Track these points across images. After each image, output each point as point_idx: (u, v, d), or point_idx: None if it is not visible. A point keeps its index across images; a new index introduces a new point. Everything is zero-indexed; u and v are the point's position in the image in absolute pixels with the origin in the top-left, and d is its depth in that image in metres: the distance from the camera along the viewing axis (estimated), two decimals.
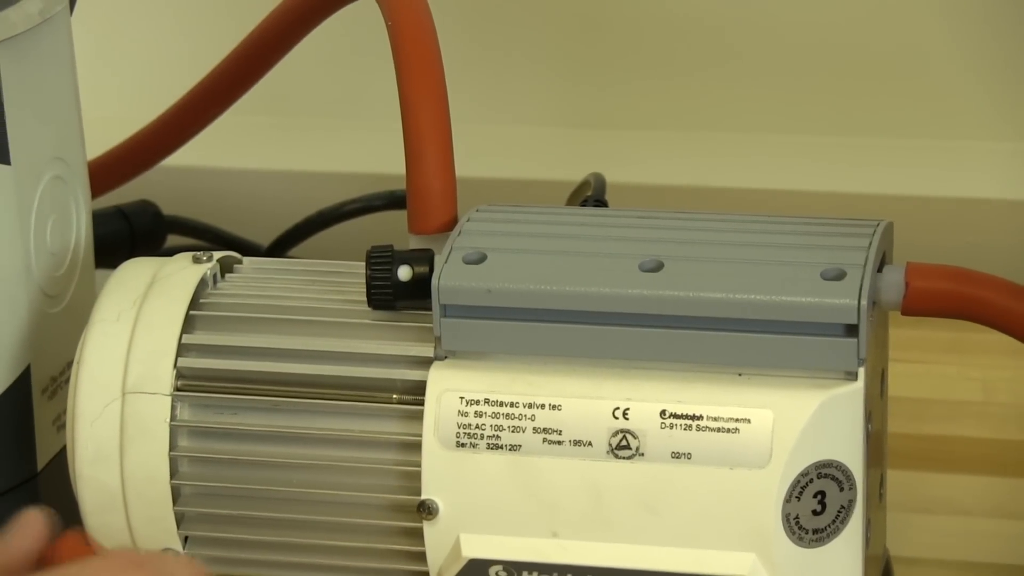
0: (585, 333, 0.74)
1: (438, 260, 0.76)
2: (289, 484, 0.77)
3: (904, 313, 0.75)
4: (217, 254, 0.83)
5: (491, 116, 1.25)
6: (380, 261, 0.77)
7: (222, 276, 0.82)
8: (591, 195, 0.92)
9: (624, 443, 0.73)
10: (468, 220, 0.78)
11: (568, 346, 0.74)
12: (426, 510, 0.74)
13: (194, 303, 0.80)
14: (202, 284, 0.81)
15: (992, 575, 0.87)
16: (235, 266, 0.84)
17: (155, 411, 0.78)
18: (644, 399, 0.73)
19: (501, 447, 0.74)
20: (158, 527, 0.78)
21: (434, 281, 0.75)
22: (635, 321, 0.73)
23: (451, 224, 0.79)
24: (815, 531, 0.73)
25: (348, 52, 1.12)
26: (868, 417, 0.73)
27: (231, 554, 0.79)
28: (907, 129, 1.22)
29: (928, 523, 0.90)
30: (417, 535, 0.75)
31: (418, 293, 0.76)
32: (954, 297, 0.74)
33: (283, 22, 0.99)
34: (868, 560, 0.74)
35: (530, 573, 0.74)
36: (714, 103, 1.24)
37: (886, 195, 1.16)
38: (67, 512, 0.81)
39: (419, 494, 0.75)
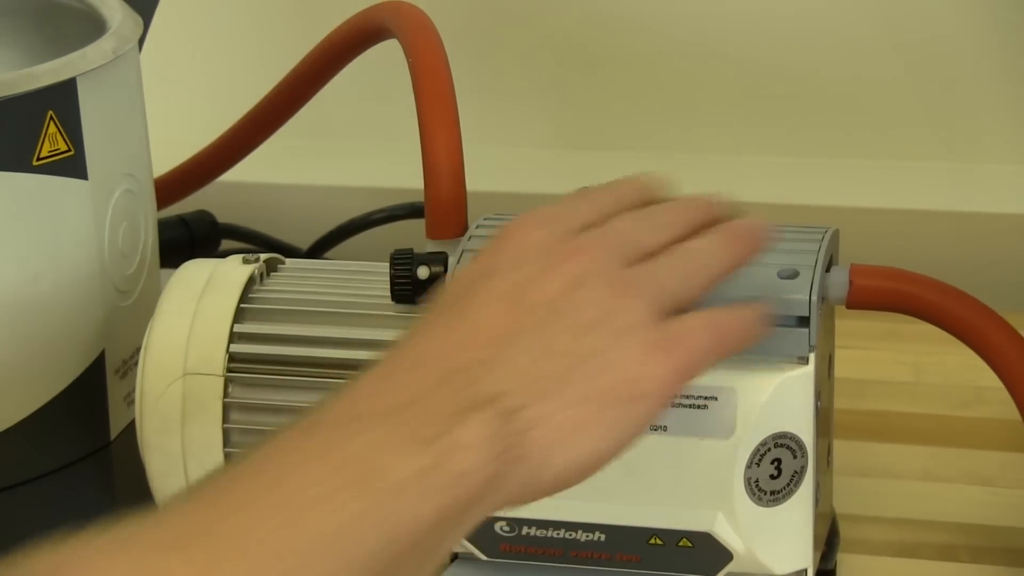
0: None
1: (451, 261, 0.75)
2: None
3: (848, 307, 0.75)
4: (264, 256, 0.83)
5: (496, 139, 1.25)
6: (402, 262, 0.77)
7: (268, 275, 0.82)
8: None
9: None
10: (476, 227, 0.78)
11: None
12: None
13: (244, 298, 0.79)
14: (251, 282, 0.80)
15: (922, 530, 0.87)
16: (279, 266, 0.83)
17: (211, 389, 0.78)
18: None
19: None
20: None
21: (448, 279, 0.74)
22: None
23: (462, 231, 0.79)
24: (772, 493, 0.72)
25: (375, 84, 1.12)
26: (818, 395, 0.73)
27: None
28: (861, 150, 1.22)
29: (868, 486, 0.90)
30: None
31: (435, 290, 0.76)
32: (891, 294, 0.74)
33: (320, 60, 0.99)
34: (817, 517, 0.74)
35: (530, 528, 0.74)
36: (689, 127, 1.24)
37: (836, 207, 1.16)
38: (135, 476, 0.80)
39: None
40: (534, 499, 0.58)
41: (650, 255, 0.63)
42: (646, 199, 0.67)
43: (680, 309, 0.63)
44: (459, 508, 0.55)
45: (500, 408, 0.57)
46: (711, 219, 0.67)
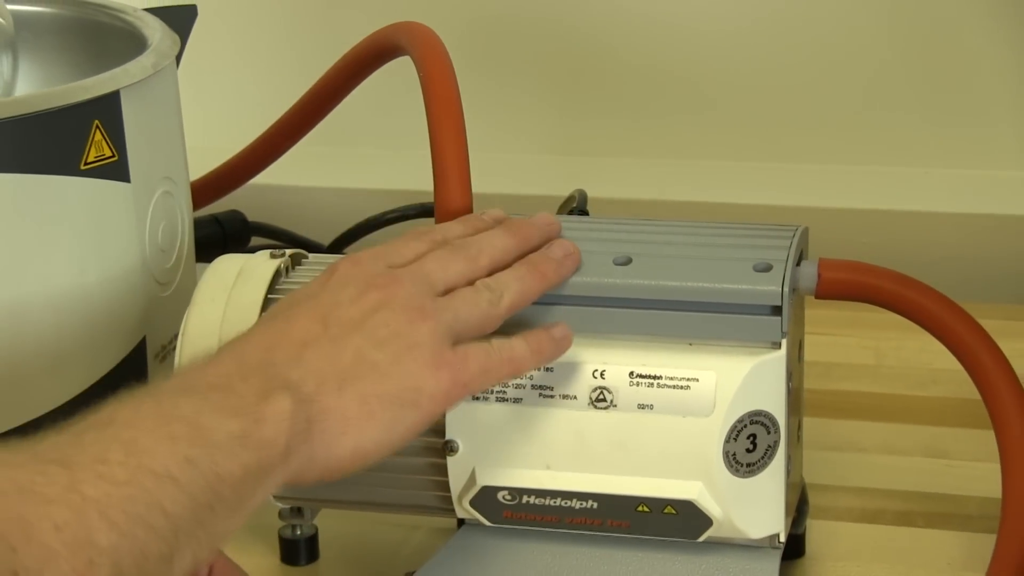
0: (571, 312, 0.73)
1: None
2: None
3: (817, 297, 0.75)
4: (289, 251, 0.82)
5: (500, 146, 1.25)
6: None
7: (293, 268, 0.82)
8: (576, 206, 0.92)
9: (601, 397, 0.72)
10: None
11: None
12: (449, 448, 0.74)
13: (271, 289, 0.79)
14: (277, 274, 0.80)
15: (882, 498, 0.87)
16: (303, 260, 0.83)
17: None
18: (617, 363, 0.72)
19: (507, 399, 0.73)
20: None
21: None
22: (610, 303, 0.73)
23: None
24: (748, 465, 0.72)
25: (389, 97, 1.12)
26: (789, 377, 0.72)
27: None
28: (828, 155, 1.22)
29: (834, 458, 0.90)
30: (442, 468, 0.74)
31: None
32: (856, 285, 0.74)
33: (340, 75, 0.99)
34: (789, 487, 0.74)
35: (529, 496, 0.74)
36: (674, 136, 1.24)
37: (802, 207, 1.16)
38: None
39: (444, 436, 0.74)
40: (318, 477, 0.64)
41: (454, 288, 0.69)
42: (470, 231, 0.73)
43: (480, 333, 0.69)
44: (261, 470, 0.60)
45: (297, 394, 0.63)
46: (526, 246, 0.73)
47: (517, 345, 0.70)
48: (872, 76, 1.19)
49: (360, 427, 0.64)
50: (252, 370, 0.63)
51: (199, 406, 0.60)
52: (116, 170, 0.84)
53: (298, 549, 0.82)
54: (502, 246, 0.72)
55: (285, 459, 0.61)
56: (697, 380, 0.71)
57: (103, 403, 0.60)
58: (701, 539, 0.73)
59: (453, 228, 0.74)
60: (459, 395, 0.67)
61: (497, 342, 0.69)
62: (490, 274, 0.71)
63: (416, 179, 1.00)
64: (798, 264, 0.74)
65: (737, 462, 0.72)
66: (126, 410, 0.59)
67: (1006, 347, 0.74)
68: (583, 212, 0.91)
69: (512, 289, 0.70)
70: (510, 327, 0.71)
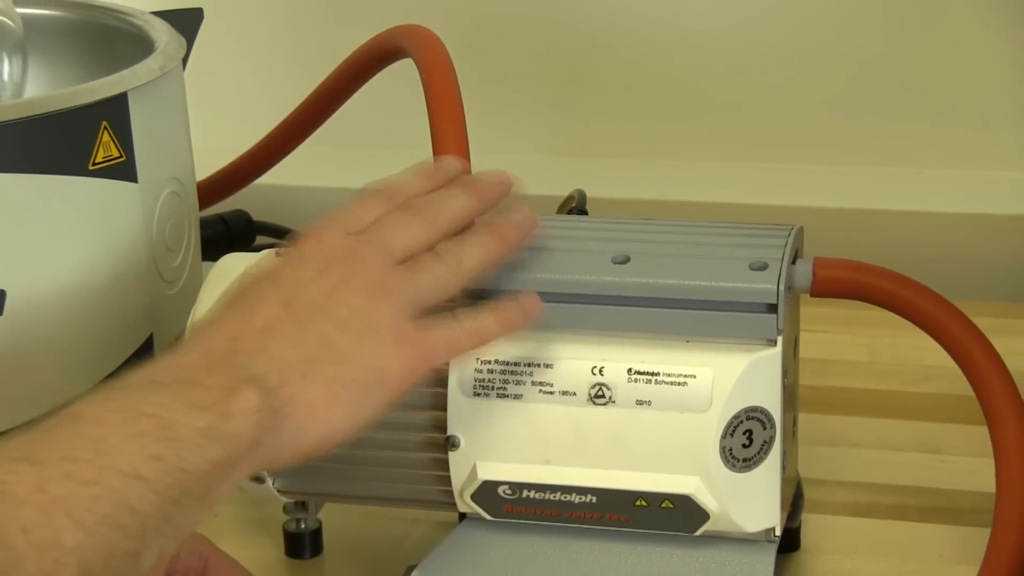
0: (571, 310, 0.73)
1: None
2: None
3: (812, 295, 0.75)
4: None
5: (500, 146, 1.25)
6: None
7: None
8: (575, 206, 0.92)
9: (600, 393, 0.72)
10: None
11: (558, 320, 0.73)
12: (451, 443, 0.74)
13: None
14: None
15: (876, 492, 0.87)
16: None
17: None
18: (615, 360, 0.72)
19: (507, 396, 0.73)
20: None
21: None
22: (608, 301, 0.73)
23: None
24: (744, 460, 0.72)
25: (391, 98, 1.12)
26: (785, 373, 0.72)
27: (308, 479, 0.78)
28: (824, 156, 1.22)
29: (829, 453, 0.90)
30: (444, 464, 0.75)
31: None
32: (850, 283, 0.74)
33: (343, 77, 0.99)
34: (784, 481, 0.74)
35: (529, 491, 0.74)
36: (673, 137, 1.24)
37: (796, 207, 1.16)
38: None
39: (445, 431, 0.74)
40: (288, 462, 0.63)
41: (415, 254, 0.68)
42: (428, 188, 0.71)
43: (445, 302, 0.68)
44: (228, 463, 0.60)
45: (263, 386, 0.62)
46: (484, 206, 0.71)
47: (484, 317, 0.69)
48: (868, 77, 1.19)
49: (326, 414, 0.63)
50: (218, 362, 0.62)
51: (167, 400, 0.59)
52: (124, 170, 0.84)
53: (302, 543, 0.82)
54: (462, 206, 0.71)
55: (252, 451, 0.61)
56: (694, 376, 0.71)
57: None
58: (698, 533, 0.73)
59: (411, 185, 0.72)
60: (422, 370, 0.66)
61: (463, 314, 0.69)
62: (450, 235, 0.70)
63: None
64: (793, 262, 0.74)
65: (733, 457, 0.72)
66: (94, 405, 0.59)
67: (999, 344, 0.74)
68: (582, 212, 0.91)
69: (474, 255, 0.69)
70: None
